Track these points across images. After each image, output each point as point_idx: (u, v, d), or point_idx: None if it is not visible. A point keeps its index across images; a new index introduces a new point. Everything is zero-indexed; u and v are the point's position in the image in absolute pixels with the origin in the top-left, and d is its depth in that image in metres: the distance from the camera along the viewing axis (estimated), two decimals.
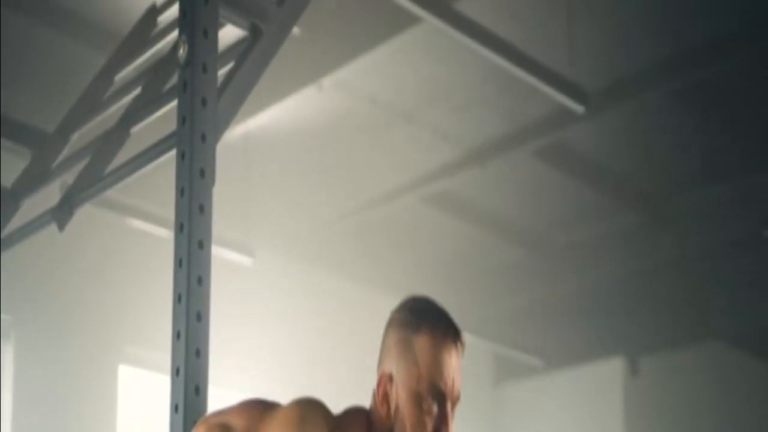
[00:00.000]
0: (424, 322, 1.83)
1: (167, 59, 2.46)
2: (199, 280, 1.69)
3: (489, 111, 5.55)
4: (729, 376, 7.82)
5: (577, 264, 6.90)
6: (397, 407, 1.80)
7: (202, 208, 1.73)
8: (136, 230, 5.99)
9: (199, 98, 1.79)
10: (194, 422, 1.62)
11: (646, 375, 7.68)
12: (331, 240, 6.71)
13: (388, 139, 5.89)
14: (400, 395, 1.80)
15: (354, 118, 5.69)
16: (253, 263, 5.89)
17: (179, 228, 1.73)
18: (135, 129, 2.34)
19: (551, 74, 4.61)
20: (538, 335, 7.71)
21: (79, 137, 2.85)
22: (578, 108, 4.56)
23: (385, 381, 1.82)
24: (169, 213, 5.97)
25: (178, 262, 1.71)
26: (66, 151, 2.79)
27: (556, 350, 7.88)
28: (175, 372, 1.65)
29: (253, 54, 1.92)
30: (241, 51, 1.96)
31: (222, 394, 6.10)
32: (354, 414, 1.83)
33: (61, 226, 2.18)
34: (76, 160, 2.51)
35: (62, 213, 2.19)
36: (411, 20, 4.84)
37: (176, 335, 1.67)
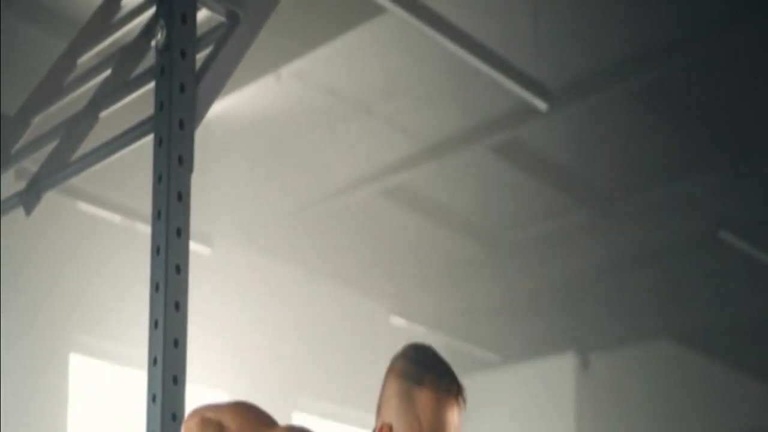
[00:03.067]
0: (427, 376, 1.79)
1: (136, 44, 2.41)
2: (178, 269, 1.66)
3: (449, 106, 5.55)
4: (676, 373, 7.93)
5: (531, 261, 6.94)
6: None
7: (180, 196, 1.70)
8: (87, 215, 5.91)
9: (177, 84, 1.76)
10: (172, 413, 1.59)
11: (596, 370, 7.76)
12: (287, 231, 6.68)
13: (346, 131, 5.87)
14: None
15: (312, 109, 5.66)
16: (211, 252, 5.84)
17: (157, 215, 1.70)
18: (104, 113, 2.30)
19: (516, 70, 4.61)
20: (491, 330, 7.74)
21: (38, 123, 2.80)
22: (541, 105, 4.57)
23: (385, 431, 1.78)
24: (123, 198, 5.87)
25: (156, 250, 1.68)
26: (27, 136, 2.74)
27: (510, 345, 7.92)
28: (153, 362, 1.62)
29: (231, 41, 1.89)
30: (218, 37, 1.93)
31: None
32: None
33: (28, 211, 2.14)
34: (41, 145, 2.46)
35: (29, 197, 2.15)
36: (373, 11, 4.82)
37: (153, 324, 1.63)
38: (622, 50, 5.02)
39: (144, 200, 6.54)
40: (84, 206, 5.79)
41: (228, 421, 1.65)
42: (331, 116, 5.70)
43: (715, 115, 5.44)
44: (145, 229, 6.19)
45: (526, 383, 7.79)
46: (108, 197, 5.84)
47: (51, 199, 5.84)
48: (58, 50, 3.09)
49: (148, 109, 2.67)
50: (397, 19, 4.76)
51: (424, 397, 1.77)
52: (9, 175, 3.51)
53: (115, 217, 5.99)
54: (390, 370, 1.84)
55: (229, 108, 5.47)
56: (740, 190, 6.06)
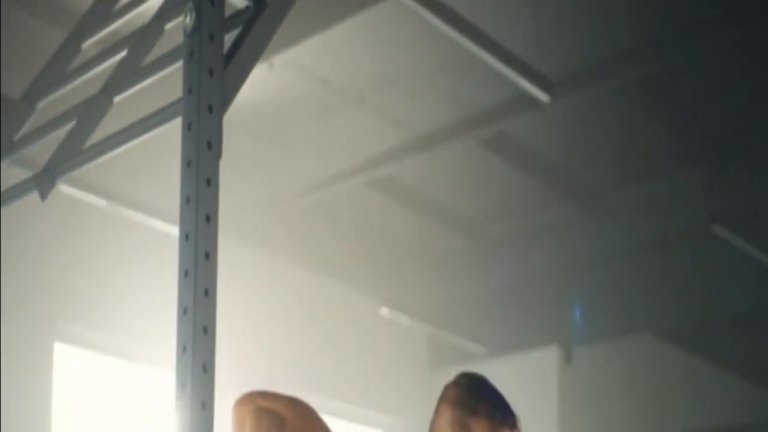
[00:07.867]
0: (482, 405, 1.79)
1: (150, 27, 2.39)
2: (207, 255, 1.64)
3: (441, 98, 5.54)
4: (659, 367, 7.97)
5: (519, 253, 6.95)
6: None
7: (209, 182, 1.68)
8: (72, 200, 5.84)
9: (206, 68, 1.74)
10: (202, 401, 1.57)
11: (579, 364, 7.79)
12: (274, 221, 6.65)
13: (337, 122, 5.85)
14: None
15: (304, 99, 5.64)
16: None
17: (185, 201, 1.67)
18: (118, 98, 2.27)
19: (518, 61, 4.61)
20: (478, 322, 7.75)
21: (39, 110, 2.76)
22: (543, 97, 4.57)
23: None
24: (108, 182, 5.79)
25: (185, 237, 1.65)
26: (32, 121, 2.71)
27: (496, 337, 7.94)
28: (182, 349, 1.59)
29: (258, 25, 1.88)
30: (244, 20, 1.90)
31: (162, 374, 5.95)
32: None
33: (43, 195, 2.11)
34: (50, 130, 2.43)
35: (44, 182, 2.12)
36: (366, 1, 4.80)
37: (182, 311, 1.61)
38: (617, 44, 5.03)
39: (131, 185, 6.47)
40: (67, 189, 5.70)
41: (286, 414, 1.61)
42: (322, 106, 5.68)
43: (708, 109, 5.47)
44: (131, 215, 6.14)
45: (511, 375, 7.80)
46: (92, 180, 5.78)
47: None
48: (54, 38, 3.05)
49: (146, 99, 2.65)
50: (391, 9, 4.74)
51: (479, 427, 1.77)
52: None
53: (100, 202, 5.92)
54: (442, 398, 1.83)
55: None
56: (730, 185, 6.09)
